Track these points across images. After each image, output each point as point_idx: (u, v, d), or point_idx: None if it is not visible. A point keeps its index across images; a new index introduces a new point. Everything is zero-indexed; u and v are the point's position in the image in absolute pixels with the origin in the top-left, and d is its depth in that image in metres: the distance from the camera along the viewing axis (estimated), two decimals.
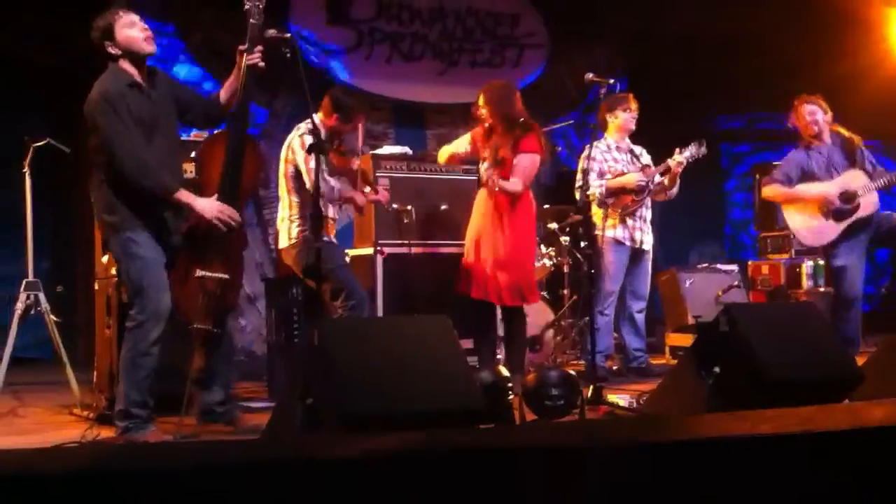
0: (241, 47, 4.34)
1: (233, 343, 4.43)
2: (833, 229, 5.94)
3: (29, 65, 7.12)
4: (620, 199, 6.08)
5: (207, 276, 4.24)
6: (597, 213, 6.08)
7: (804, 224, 6.05)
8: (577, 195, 5.94)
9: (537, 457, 2.74)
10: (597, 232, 6.07)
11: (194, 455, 2.86)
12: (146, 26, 4.22)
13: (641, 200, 6.12)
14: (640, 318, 6.29)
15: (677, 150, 5.99)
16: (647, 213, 6.24)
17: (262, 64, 4.34)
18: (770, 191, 6.19)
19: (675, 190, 6.15)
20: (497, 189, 5.26)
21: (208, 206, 4.18)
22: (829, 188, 5.95)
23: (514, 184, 5.27)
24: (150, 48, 4.19)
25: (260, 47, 4.33)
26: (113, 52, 4.13)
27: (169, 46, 7.49)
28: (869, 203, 5.90)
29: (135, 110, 4.08)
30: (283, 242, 5.26)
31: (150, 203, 4.13)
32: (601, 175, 6.04)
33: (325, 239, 5.20)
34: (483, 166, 5.42)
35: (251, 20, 4.27)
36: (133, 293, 4.14)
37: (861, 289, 6.05)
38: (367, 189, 5.60)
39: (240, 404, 5.19)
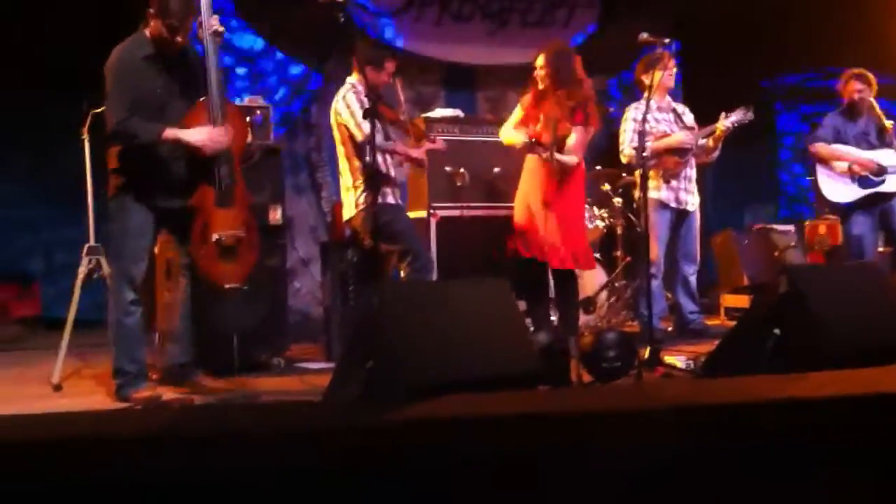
0: (199, 18, 4.33)
1: (187, 305, 4.54)
2: (855, 192, 6.19)
3: (86, 33, 7.19)
4: (663, 160, 6.01)
5: (223, 235, 4.36)
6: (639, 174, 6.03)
7: (831, 180, 6.27)
8: (625, 157, 5.93)
9: (598, 420, 2.76)
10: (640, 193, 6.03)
11: (264, 418, 2.91)
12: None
13: (685, 161, 6.04)
14: (692, 279, 6.24)
15: (723, 113, 5.89)
16: (692, 173, 6.15)
17: (221, 29, 4.38)
18: (815, 147, 6.36)
19: (716, 153, 6.09)
20: (555, 164, 5.20)
21: (197, 134, 4.26)
22: (867, 155, 6.21)
23: (570, 159, 5.23)
24: (176, 44, 4.26)
25: (216, 16, 4.37)
26: (151, 17, 4.20)
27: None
28: (894, 182, 6.19)
29: (144, 83, 4.22)
30: (351, 211, 5.28)
31: (148, 168, 4.26)
32: (641, 135, 5.90)
33: (391, 201, 5.24)
34: (531, 130, 5.33)
35: None
36: (111, 255, 4.43)
37: (873, 257, 6.26)
38: (424, 142, 5.59)
39: (294, 365, 5.28)
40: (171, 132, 4.20)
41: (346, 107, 5.18)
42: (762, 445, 2.70)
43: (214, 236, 4.35)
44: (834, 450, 2.70)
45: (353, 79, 5.30)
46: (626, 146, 5.97)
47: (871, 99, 6.26)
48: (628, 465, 2.60)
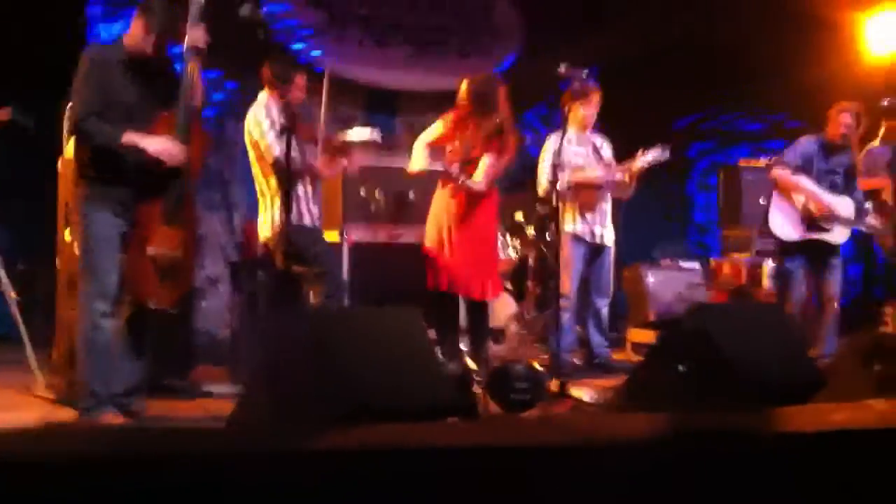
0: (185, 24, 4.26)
1: (143, 340, 4.34)
2: (799, 232, 6.09)
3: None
4: (578, 193, 6.07)
5: (160, 253, 4.20)
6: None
7: (781, 213, 6.12)
8: (542, 189, 5.98)
9: (505, 454, 2.74)
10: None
11: (163, 442, 2.82)
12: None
13: (601, 196, 6.11)
14: (604, 312, 6.30)
15: (640, 150, 5.98)
16: (608, 208, 6.21)
17: (202, 46, 4.26)
18: (778, 172, 6.17)
19: (632, 190, 6.15)
20: (463, 188, 5.23)
21: (157, 143, 4.09)
22: (826, 198, 6.07)
23: (477, 184, 5.25)
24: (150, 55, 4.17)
25: (201, 25, 4.26)
26: (139, 23, 4.10)
27: None
28: (841, 234, 6.12)
29: (112, 88, 4.08)
30: (266, 231, 5.13)
31: (114, 177, 4.10)
32: (562, 168, 5.92)
33: (308, 223, 5.17)
34: (448, 150, 5.34)
35: None
36: (81, 268, 4.20)
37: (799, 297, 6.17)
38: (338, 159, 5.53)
39: (203, 390, 5.17)
40: (130, 137, 4.04)
41: (257, 124, 5.11)
42: (675, 478, 2.73)
43: (150, 251, 4.16)
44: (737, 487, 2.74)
45: (264, 96, 5.22)
46: (544, 178, 6.02)
47: (860, 131, 6.15)
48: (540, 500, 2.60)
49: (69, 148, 4.72)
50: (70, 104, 4.08)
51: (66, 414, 4.23)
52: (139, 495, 2.36)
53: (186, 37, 4.22)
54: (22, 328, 4.96)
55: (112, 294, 4.12)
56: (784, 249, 6.20)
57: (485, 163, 5.23)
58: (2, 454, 2.59)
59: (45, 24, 6.83)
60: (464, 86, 5.30)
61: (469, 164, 5.25)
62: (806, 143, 6.19)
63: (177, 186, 4.19)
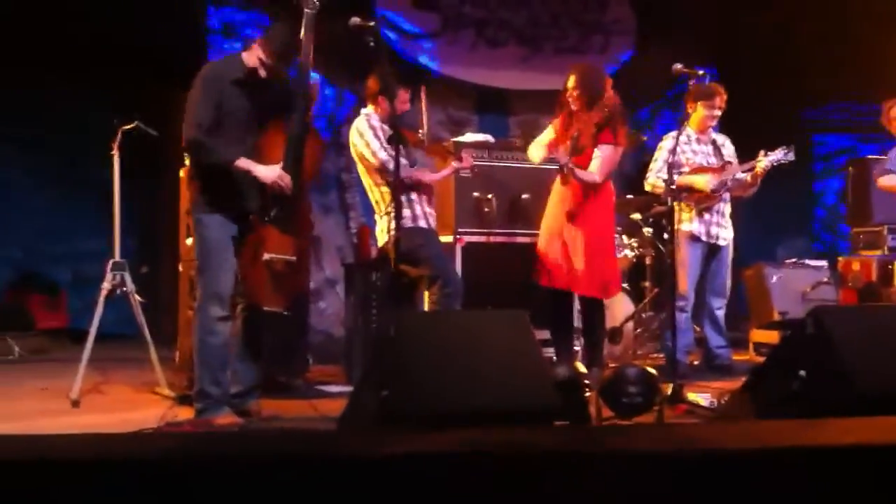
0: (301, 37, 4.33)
1: (259, 341, 4.43)
2: None
3: (123, 49, 7.28)
4: (694, 193, 5.92)
5: (275, 258, 4.27)
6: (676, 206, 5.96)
7: None
8: (648, 185, 5.85)
9: (609, 461, 2.69)
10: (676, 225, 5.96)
11: (264, 446, 2.87)
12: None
13: (718, 196, 5.94)
14: (720, 314, 6.12)
15: (762, 152, 5.78)
16: (726, 208, 6.04)
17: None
18: (887, 180, 6.31)
19: (755, 189, 5.97)
20: (571, 177, 5.14)
21: (267, 171, 4.19)
22: None
23: (591, 175, 5.14)
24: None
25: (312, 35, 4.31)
26: (260, 48, 4.21)
27: None
28: None
29: (228, 104, 4.18)
30: (383, 238, 5.23)
31: (224, 186, 4.19)
32: (678, 167, 5.80)
33: (423, 225, 5.21)
34: (561, 151, 5.27)
35: (306, 9, 4.22)
36: (197, 272, 4.29)
37: None
38: (450, 160, 5.56)
39: (314, 388, 5.26)
40: (243, 163, 4.15)
41: (360, 136, 5.17)
42: (778, 494, 2.63)
43: (266, 256, 4.25)
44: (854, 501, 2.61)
45: (368, 109, 5.29)
46: (653, 175, 5.92)
47: None
48: None
49: None
50: (186, 113, 4.18)
51: (185, 412, 4.35)
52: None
53: (301, 47, 4.30)
54: (145, 329, 5.14)
55: (226, 297, 4.22)
56: None
57: (597, 155, 5.14)
58: (119, 454, 2.69)
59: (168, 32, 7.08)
60: (570, 80, 5.22)
61: (580, 155, 5.16)
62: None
63: (292, 193, 4.27)
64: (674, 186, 5.12)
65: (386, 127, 5.12)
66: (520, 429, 3.04)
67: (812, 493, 2.65)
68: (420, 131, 5.36)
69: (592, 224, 5.20)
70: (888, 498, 2.61)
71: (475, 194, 5.97)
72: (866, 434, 2.93)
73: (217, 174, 4.18)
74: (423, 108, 5.41)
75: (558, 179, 5.36)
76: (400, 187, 4.55)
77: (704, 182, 5.86)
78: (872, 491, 2.61)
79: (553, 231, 5.27)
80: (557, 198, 5.33)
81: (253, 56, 4.25)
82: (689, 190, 5.87)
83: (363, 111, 5.32)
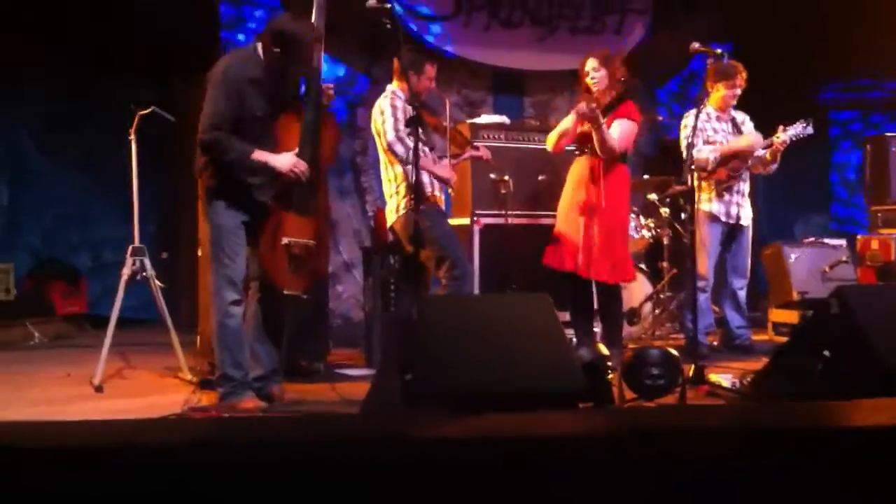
0: (312, 21, 4.34)
1: (258, 317, 4.42)
2: None
3: (140, 36, 7.28)
4: (716, 171, 5.88)
5: (293, 241, 4.28)
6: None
7: None
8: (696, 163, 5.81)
9: (636, 441, 2.69)
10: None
11: (290, 432, 2.88)
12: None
13: (738, 175, 5.91)
14: (741, 294, 6.10)
15: (781, 127, 5.76)
16: (745, 187, 6.01)
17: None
18: None
19: (774, 166, 5.94)
20: (594, 130, 5.10)
21: (283, 160, 4.21)
22: None
23: (612, 138, 5.12)
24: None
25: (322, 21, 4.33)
26: (270, 44, 4.19)
27: None
28: None
29: (249, 105, 4.17)
30: (392, 216, 5.25)
31: (234, 174, 4.19)
32: (691, 146, 5.71)
33: (433, 209, 5.20)
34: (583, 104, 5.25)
35: None
36: (211, 258, 4.29)
37: None
38: (467, 149, 5.57)
39: (334, 371, 5.29)
40: (260, 155, 4.16)
41: (381, 113, 5.17)
42: (807, 474, 2.62)
43: (284, 240, 4.27)
44: (882, 482, 2.61)
45: (394, 86, 5.28)
46: (704, 150, 5.83)
47: None
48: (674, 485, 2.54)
49: None
50: (204, 109, 4.17)
51: (208, 397, 4.38)
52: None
53: (314, 31, 4.30)
54: (166, 314, 5.15)
55: (238, 282, 4.24)
56: None
57: (614, 127, 5.14)
58: (130, 442, 2.70)
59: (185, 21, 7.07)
60: (591, 63, 5.23)
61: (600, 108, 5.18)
62: None
63: (309, 177, 4.27)
64: (693, 167, 5.08)
65: (409, 108, 5.10)
66: (546, 412, 3.05)
67: (838, 475, 2.64)
68: (443, 116, 5.35)
69: (609, 209, 5.19)
70: None
71: (492, 176, 5.95)
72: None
73: (227, 164, 4.18)
74: (444, 97, 5.41)
75: (575, 163, 5.35)
76: (415, 173, 4.54)
77: (748, 142, 5.82)
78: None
79: (570, 215, 5.27)
80: (574, 181, 5.32)
81: (267, 55, 4.23)
82: (731, 158, 5.82)
83: (389, 87, 5.30)
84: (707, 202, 5.91)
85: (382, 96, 5.27)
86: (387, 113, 5.14)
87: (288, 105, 4.35)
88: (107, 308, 5.25)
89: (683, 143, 5.83)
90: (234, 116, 4.13)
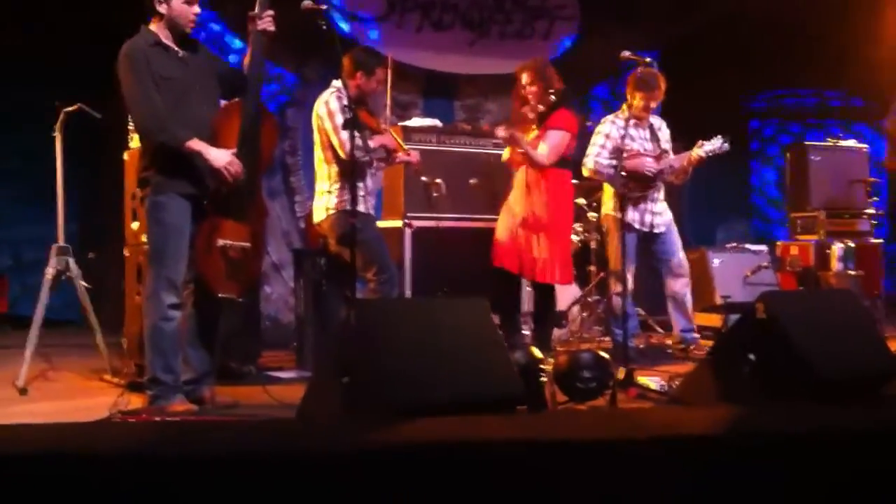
0: (251, 13, 4.30)
1: (194, 320, 4.35)
2: None
3: (63, 33, 7.11)
4: (628, 181, 5.87)
5: (229, 244, 4.23)
6: (606, 191, 6.02)
7: None
8: (587, 170, 5.85)
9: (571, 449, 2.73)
10: (604, 212, 6.02)
11: (226, 437, 2.86)
12: (198, 12, 4.22)
13: (652, 186, 5.91)
14: (682, 294, 6.02)
15: (699, 142, 5.82)
16: (659, 195, 5.99)
17: (272, 28, 4.31)
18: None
19: (687, 177, 5.97)
20: (513, 141, 5.27)
21: (219, 155, 4.11)
22: None
23: (540, 155, 5.22)
24: (188, 30, 4.21)
25: (270, 12, 4.30)
26: (160, 9, 4.12)
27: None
28: None
29: (158, 68, 4.08)
30: (321, 214, 5.18)
31: (182, 166, 4.11)
32: (617, 152, 5.62)
33: (361, 209, 5.18)
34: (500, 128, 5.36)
35: None
36: (151, 257, 4.18)
37: None
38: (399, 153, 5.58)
39: (265, 373, 5.24)
40: (195, 144, 4.06)
41: (328, 112, 5.11)
42: (728, 482, 2.69)
43: (220, 242, 4.20)
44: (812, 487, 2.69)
45: (339, 83, 5.21)
46: (591, 159, 5.85)
47: None
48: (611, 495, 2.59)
49: (135, 139, 4.78)
50: (127, 102, 4.08)
51: (136, 399, 4.30)
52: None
53: (257, 22, 4.26)
54: (92, 315, 5.05)
55: (179, 284, 4.15)
56: None
57: (546, 139, 5.24)
58: (63, 447, 2.65)
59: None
60: (525, 76, 5.32)
61: (524, 124, 5.28)
62: None
63: (246, 180, 4.22)
64: (624, 173, 5.17)
65: (347, 111, 5.07)
66: (487, 417, 3.08)
67: (770, 477, 2.72)
68: (382, 118, 5.34)
69: (555, 213, 5.29)
70: (849, 480, 2.69)
71: (424, 179, 5.96)
72: (820, 419, 3.02)
73: (176, 155, 4.09)
74: (388, 95, 5.41)
75: (519, 171, 5.43)
76: (353, 175, 4.53)
77: (645, 167, 5.82)
78: (830, 473, 2.70)
79: (516, 218, 5.34)
80: (522, 185, 5.39)
81: (163, 19, 4.15)
82: (631, 174, 5.85)
83: (334, 83, 5.21)
84: (614, 210, 5.86)
85: (327, 92, 5.17)
86: (335, 108, 5.05)
87: (212, 86, 4.27)
88: (27, 308, 5.12)
89: (595, 149, 5.88)
90: (155, 88, 4.03)
